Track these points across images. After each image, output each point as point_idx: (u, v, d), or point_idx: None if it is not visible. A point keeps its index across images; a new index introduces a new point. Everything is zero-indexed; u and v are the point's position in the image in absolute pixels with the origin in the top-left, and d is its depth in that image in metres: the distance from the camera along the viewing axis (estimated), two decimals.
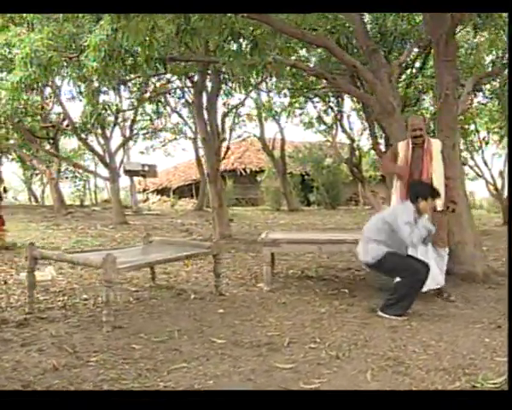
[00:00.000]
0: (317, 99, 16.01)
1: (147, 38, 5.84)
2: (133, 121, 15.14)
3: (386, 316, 4.49)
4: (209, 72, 9.64)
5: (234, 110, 16.93)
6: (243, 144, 27.37)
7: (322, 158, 23.13)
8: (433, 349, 3.67)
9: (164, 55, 7.08)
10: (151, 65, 7.58)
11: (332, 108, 16.70)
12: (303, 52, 11.37)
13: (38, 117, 14.98)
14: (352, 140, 16.56)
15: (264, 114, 20.02)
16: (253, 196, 25.01)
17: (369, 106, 7.31)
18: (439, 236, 5.17)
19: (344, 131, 17.06)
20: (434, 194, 4.75)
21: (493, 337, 3.93)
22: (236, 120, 18.82)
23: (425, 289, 4.79)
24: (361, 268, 6.06)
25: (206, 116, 10.07)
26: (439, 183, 5.11)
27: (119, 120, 14.80)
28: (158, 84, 12.86)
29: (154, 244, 5.64)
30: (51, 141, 15.43)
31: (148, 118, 15.24)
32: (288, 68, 8.96)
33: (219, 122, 11.35)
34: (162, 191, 28.40)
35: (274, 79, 13.57)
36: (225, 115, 12.73)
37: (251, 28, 5.99)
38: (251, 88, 11.04)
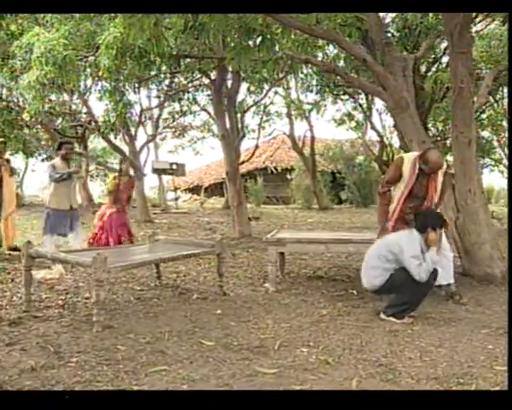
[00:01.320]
0: (346, 96, 15.79)
1: (153, 35, 5.80)
2: (157, 120, 15.21)
3: (386, 318, 4.32)
4: (229, 69, 9.53)
5: (262, 108, 16.88)
6: (275, 142, 27.26)
7: (353, 156, 22.76)
8: (431, 356, 3.48)
9: (178, 51, 7.03)
10: (165, 62, 7.61)
11: (361, 106, 16.43)
12: (331, 48, 11.19)
13: (67, 117, 15.21)
14: (382, 137, 16.22)
15: (293, 112, 19.90)
16: (284, 195, 24.85)
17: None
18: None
19: (373, 128, 16.76)
20: (444, 224, 4.51)
21: (498, 344, 3.71)
22: (265, 118, 18.75)
23: None
24: None
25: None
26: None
27: (144, 118, 14.88)
28: (184, 82, 12.85)
29: (158, 243, 5.59)
30: (79, 140, 15.63)
31: (171, 116, 15.23)
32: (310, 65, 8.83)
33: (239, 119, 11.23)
34: (194, 190, 28.52)
35: (300, 76, 13.46)
36: (245, 112, 12.59)
37: (259, 23, 5.86)
38: (269, 85, 10.86)
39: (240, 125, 11.14)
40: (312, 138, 20.49)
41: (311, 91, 13.99)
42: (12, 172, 8.09)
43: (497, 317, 4.41)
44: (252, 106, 13.81)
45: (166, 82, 12.39)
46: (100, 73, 7.39)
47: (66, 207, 7.25)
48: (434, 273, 4.35)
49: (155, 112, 15.36)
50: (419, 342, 3.79)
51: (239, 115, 11.31)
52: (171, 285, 5.71)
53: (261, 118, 17.79)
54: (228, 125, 9.77)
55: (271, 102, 18.15)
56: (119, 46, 6.79)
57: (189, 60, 8.05)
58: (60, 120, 16.00)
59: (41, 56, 7.35)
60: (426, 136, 5.95)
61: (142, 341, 3.73)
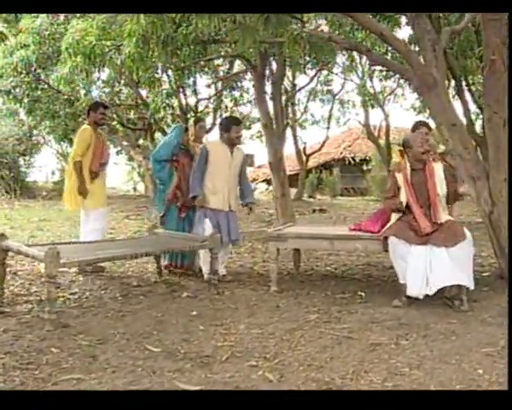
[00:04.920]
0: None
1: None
2: (215, 110, 15.03)
3: None
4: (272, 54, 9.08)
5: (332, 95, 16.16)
6: (353, 132, 26.33)
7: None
8: (398, 380, 2.87)
9: (197, 37, 6.71)
10: (192, 48, 7.34)
11: None
12: None
13: (134, 109, 15.47)
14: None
15: (368, 101, 19.03)
16: (361, 186, 23.93)
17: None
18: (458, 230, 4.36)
19: None
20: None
21: (493, 368, 3.01)
22: (336, 107, 18.07)
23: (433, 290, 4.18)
24: None
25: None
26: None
27: (201, 108, 14.78)
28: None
29: (153, 237, 5.30)
30: (146, 132, 15.83)
31: (224, 106, 14.96)
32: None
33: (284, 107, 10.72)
34: (271, 181, 28.24)
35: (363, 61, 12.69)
36: (288, 100, 12.04)
37: None
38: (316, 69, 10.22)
39: (285, 113, 10.62)
40: (387, 127, 19.49)
41: (376, 77, 13.23)
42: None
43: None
44: (296, 92, 13.19)
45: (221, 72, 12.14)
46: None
47: (224, 208, 5.49)
48: None
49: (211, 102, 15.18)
50: (396, 360, 3.18)
51: (283, 103, 10.75)
52: (170, 282, 5.40)
53: (331, 107, 17.13)
54: (272, 114, 9.32)
55: (345, 90, 17.47)
56: (141, 33, 6.59)
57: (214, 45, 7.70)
58: (132, 112, 16.38)
59: (69, 47, 7.33)
60: (457, 118, 5.19)
61: (84, 343, 3.43)
